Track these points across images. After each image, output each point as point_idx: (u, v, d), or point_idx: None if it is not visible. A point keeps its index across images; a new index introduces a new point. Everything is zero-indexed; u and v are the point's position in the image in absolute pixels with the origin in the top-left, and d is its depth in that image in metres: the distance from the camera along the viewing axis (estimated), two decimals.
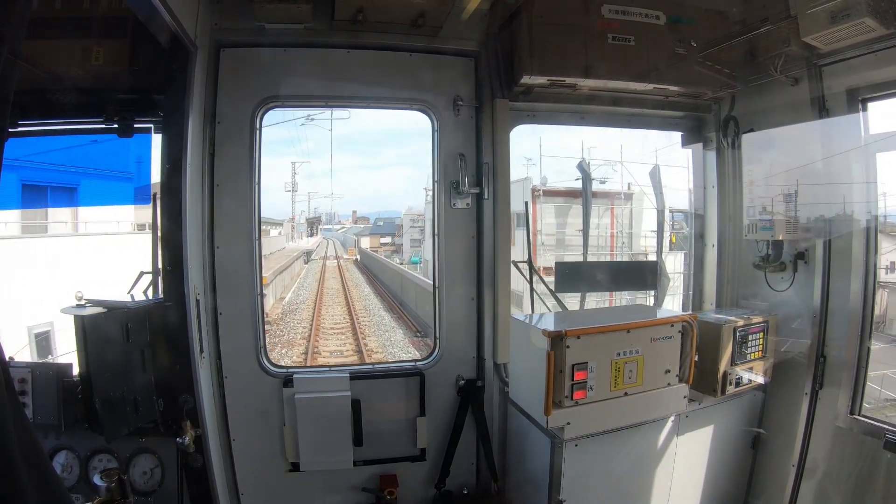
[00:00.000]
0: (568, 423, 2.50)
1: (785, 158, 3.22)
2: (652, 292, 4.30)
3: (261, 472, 3.06)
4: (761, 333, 3.09)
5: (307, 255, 38.65)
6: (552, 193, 13.54)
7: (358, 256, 44.44)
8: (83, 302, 2.31)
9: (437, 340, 3.28)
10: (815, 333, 2.95)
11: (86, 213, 10.27)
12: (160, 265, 2.61)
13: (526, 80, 3.02)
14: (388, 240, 54.01)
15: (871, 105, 2.76)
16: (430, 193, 3.30)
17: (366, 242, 53.86)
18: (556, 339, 2.44)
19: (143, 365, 2.49)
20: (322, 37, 2.97)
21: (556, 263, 3.71)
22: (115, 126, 2.68)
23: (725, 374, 2.96)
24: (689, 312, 3.03)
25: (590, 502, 2.72)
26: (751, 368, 3.08)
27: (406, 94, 3.15)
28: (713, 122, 3.57)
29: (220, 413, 2.94)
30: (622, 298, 7.64)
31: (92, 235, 10.07)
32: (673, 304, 4.96)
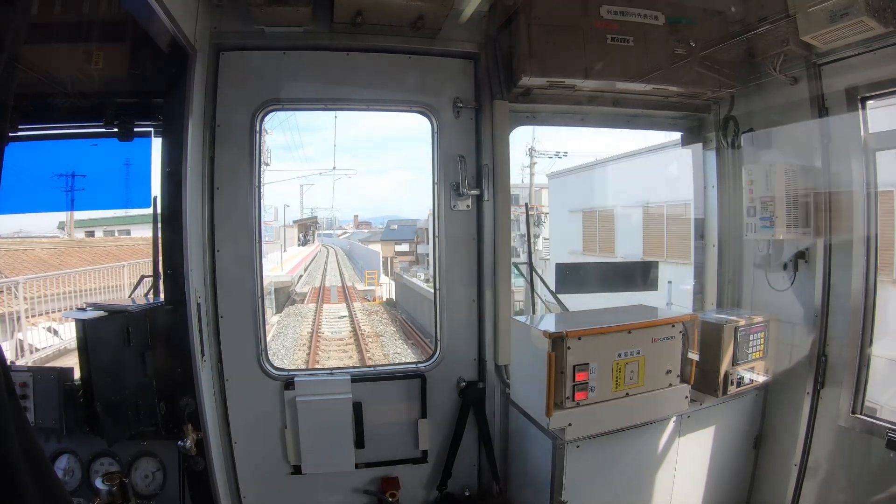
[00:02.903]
0: (569, 425, 2.50)
1: (785, 157, 3.22)
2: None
3: (262, 475, 3.05)
4: (762, 333, 3.09)
5: (276, 299, 18.67)
6: None
7: (392, 291, 22.34)
8: (85, 306, 2.32)
9: (438, 342, 3.27)
10: (817, 332, 2.95)
11: None
12: (161, 269, 2.61)
13: (525, 81, 3.02)
14: (404, 247, 44.09)
15: (870, 103, 2.75)
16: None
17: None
18: (557, 341, 2.44)
19: (145, 368, 2.49)
20: (321, 39, 2.97)
21: (556, 264, 3.72)
22: (115, 130, 2.68)
23: (727, 374, 2.96)
24: (690, 312, 3.03)
25: (592, 503, 2.72)
26: (752, 368, 3.08)
27: (405, 95, 3.14)
28: (713, 122, 3.57)
29: (222, 416, 2.94)
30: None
31: None
32: None
